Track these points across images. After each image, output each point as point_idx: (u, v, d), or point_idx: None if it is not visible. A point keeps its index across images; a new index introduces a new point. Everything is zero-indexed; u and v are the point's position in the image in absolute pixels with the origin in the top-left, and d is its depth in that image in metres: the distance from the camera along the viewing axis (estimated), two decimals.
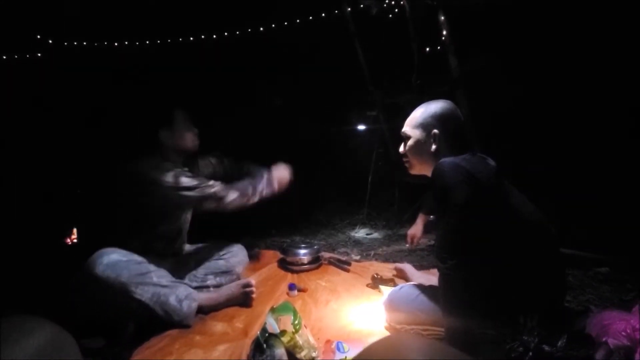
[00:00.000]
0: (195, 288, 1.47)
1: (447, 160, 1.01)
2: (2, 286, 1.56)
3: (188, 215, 1.62)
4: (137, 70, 3.23)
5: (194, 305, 1.32)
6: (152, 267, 1.33)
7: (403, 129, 1.20)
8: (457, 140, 1.12)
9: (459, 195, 0.94)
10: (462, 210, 0.94)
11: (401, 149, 1.23)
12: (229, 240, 1.70)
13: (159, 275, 1.31)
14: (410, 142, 1.17)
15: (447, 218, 0.97)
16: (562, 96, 2.18)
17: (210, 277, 1.52)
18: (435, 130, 1.12)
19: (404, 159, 1.23)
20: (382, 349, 0.42)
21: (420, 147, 1.15)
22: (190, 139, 1.51)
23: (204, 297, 1.39)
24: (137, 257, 1.33)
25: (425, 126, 1.14)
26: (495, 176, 1.04)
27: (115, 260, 1.25)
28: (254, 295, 1.44)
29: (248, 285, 1.44)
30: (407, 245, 1.78)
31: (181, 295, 1.30)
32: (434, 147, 1.12)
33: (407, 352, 0.38)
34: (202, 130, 1.58)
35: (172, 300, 1.27)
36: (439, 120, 1.12)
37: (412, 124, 1.17)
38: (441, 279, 1.02)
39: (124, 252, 1.31)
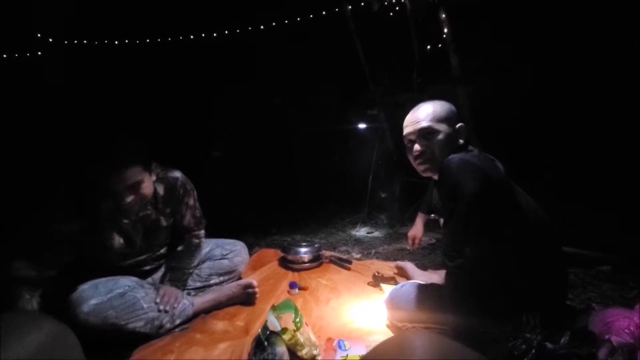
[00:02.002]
0: (199, 288, 1.47)
1: (455, 156, 0.98)
2: (2, 285, 1.56)
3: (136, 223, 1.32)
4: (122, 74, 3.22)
5: (191, 315, 1.31)
6: (139, 292, 1.22)
7: (426, 124, 1.11)
8: (466, 138, 1.13)
9: (469, 191, 0.91)
10: (472, 208, 0.92)
11: (418, 147, 1.13)
12: (229, 238, 1.69)
13: (149, 300, 1.22)
14: (440, 137, 1.10)
15: (457, 215, 0.95)
16: (564, 94, 2.18)
17: (214, 277, 1.51)
18: (462, 124, 1.13)
19: (423, 158, 1.14)
20: (393, 347, 0.41)
21: (448, 141, 1.10)
22: (111, 206, 1.17)
23: (202, 301, 1.37)
24: (119, 289, 1.19)
25: (450, 120, 1.12)
26: (503, 173, 1.03)
27: (94, 305, 1.12)
28: (257, 296, 1.44)
29: (250, 286, 1.43)
30: (409, 247, 1.76)
31: (176, 312, 1.26)
32: (461, 140, 1.12)
33: (418, 350, 0.37)
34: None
35: (166, 322, 1.23)
36: (458, 115, 1.14)
37: (437, 119, 1.11)
38: (448, 277, 1.01)
39: (102, 289, 1.17)
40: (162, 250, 1.45)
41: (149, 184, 1.22)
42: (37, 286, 1.08)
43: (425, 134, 1.12)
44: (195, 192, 1.47)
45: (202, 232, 1.51)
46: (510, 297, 0.93)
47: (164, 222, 1.36)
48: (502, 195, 0.96)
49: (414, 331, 1.09)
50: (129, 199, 1.16)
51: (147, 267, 1.43)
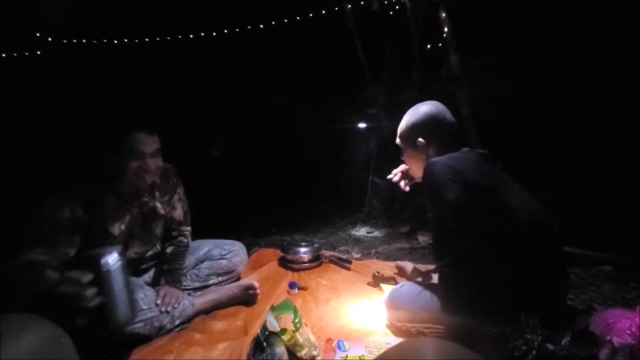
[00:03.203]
0: (197, 288, 1.46)
1: (435, 160, 1.04)
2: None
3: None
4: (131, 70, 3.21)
5: (191, 315, 1.30)
6: (138, 293, 1.20)
7: (397, 141, 1.25)
8: (445, 141, 1.13)
9: (447, 193, 0.96)
10: (452, 208, 0.95)
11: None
12: (229, 238, 1.68)
13: (149, 301, 1.21)
14: (406, 152, 1.23)
15: (436, 218, 1.00)
16: (565, 92, 2.17)
17: (213, 277, 1.51)
18: (420, 139, 1.15)
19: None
20: (403, 354, 0.40)
21: (412, 156, 1.20)
22: (132, 171, 1.16)
23: (202, 301, 1.36)
24: None
25: (409, 137, 1.18)
26: (489, 173, 1.04)
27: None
28: (258, 297, 1.43)
29: (251, 287, 1.42)
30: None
31: (176, 314, 1.25)
32: (423, 155, 1.16)
33: (430, 357, 0.37)
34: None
35: (167, 323, 1.22)
36: (420, 128, 1.15)
37: (400, 135, 1.22)
38: (440, 277, 1.03)
39: None
40: (158, 246, 1.43)
41: (161, 162, 1.25)
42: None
43: (400, 149, 1.25)
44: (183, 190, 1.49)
45: (189, 228, 1.51)
46: (505, 296, 0.93)
47: (161, 211, 1.36)
48: (483, 195, 0.98)
49: (425, 337, 1.08)
50: (152, 164, 1.18)
51: (144, 266, 1.42)
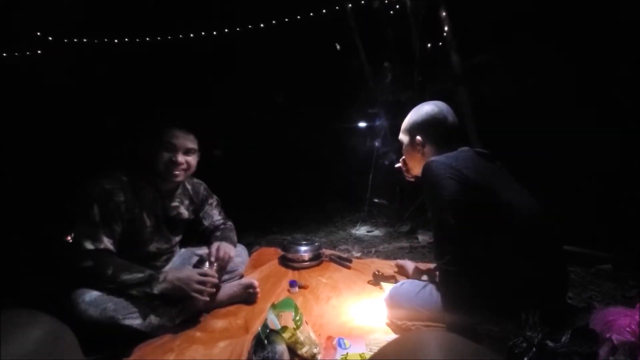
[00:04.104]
0: None
1: (434, 158, 1.05)
2: (3, 283, 1.56)
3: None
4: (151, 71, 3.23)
5: (191, 313, 1.30)
6: None
7: (400, 136, 1.27)
8: (444, 141, 1.14)
9: (445, 190, 0.97)
10: (450, 205, 0.96)
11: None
12: None
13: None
14: (404, 148, 1.25)
15: (439, 214, 1.00)
16: (566, 91, 2.17)
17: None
18: (419, 137, 1.17)
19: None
20: (403, 347, 0.40)
21: (410, 152, 1.23)
22: (162, 162, 1.25)
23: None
24: None
25: (410, 133, 1.21)
26: (487, 171, 1.04)
27: (95, 296, 1.13)
28: (258, 296, 1.44)
29: (252, 286, 1.43)
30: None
31: (175, 312, 1.24)
32: (419, 153, 1.18)
33: (432, 349, 0.37)
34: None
35: (165, 321, 1.21)
36: (420, 127, 1.18)
37: (402, 130, 1.26)
38: (440, 274, 1.03)
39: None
40: (174, 249, 1.50)
41: (195, 163, 1.35)
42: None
43: (402, 144, 1.27)
44: (217, 198, 1.62)
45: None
46: (505, 294, 0.93)
47: (185, 215, 1.46)
48: (481, 192, 0.98)
49: (426, 330, 1.08)
50: (182, 159, 1.27)
51: (157, 263, 1.43)
